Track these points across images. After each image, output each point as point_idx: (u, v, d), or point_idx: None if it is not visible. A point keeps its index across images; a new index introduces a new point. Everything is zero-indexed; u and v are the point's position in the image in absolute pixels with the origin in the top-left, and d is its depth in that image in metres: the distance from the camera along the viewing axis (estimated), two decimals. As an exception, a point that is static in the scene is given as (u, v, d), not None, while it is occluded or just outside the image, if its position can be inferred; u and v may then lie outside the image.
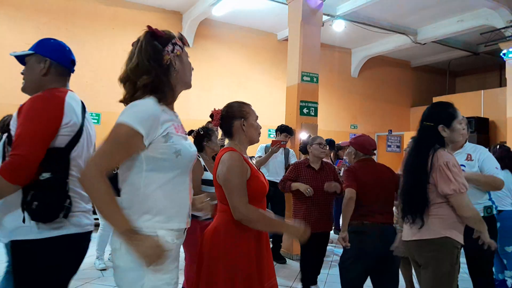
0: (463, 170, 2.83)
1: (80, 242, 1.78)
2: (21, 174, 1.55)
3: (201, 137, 3.36)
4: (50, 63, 1.81)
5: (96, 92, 7.93)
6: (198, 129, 3.43)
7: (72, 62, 1.93)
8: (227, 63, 9.28)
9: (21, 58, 1.90)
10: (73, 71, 1.96)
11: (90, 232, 1.84)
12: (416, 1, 7.94)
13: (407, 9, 8.33)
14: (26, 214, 1.59)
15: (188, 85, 1.59)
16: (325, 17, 7.53)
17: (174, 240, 1.47)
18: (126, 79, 1.52)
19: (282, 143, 4.93)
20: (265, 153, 5.18)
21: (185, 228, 1.56)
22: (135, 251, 1.36)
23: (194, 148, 1.59)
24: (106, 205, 1.37)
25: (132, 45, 1.59)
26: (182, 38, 1.58)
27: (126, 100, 1.53)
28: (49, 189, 1.59)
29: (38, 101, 1.69)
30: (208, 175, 3.11)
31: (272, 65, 9.86)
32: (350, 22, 8.61)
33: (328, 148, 6.97)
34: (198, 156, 3.09)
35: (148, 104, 1.45)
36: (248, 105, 2.16)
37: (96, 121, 7.85)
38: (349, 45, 10.92)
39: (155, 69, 1.48)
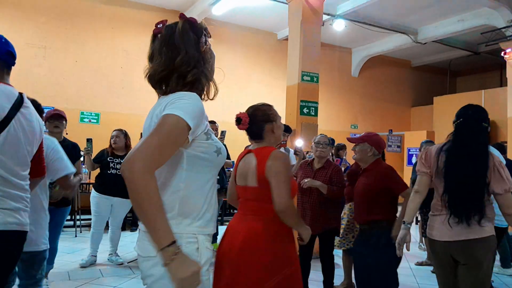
0: None
1: (2, 241, 1.72)
2: None
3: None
4: None
5: (96, 92, 7.92)
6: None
7: (8, 53, 1.83)
8: (227, 63, 9.27)
9: None
10: (13, 63, 1.86)
11: (16, 232, 1.75)
12: (417, 1, 7.93)
13: (407, 8, 8.32)
14: None
15: (210, 81, 1.47)
16: (325, 17, 7.52)
17: (210, 245, 1.39)
18: (171, 73, 1.35)
19: (282, 142, 4.92)
20: None
21: None
22: (173, 271, 1.18)
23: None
24: (153, 211, 1.16)
25: (157, 34, 1.42)
26: (207, 29, 1.48)
27: (170, 93, 1.36)
28: None
29: None
30: None
31: (272, 64, 9.85)
32: (351, 21, 8.60)
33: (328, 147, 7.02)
34: None
35: (196, 97, 1.33)
36: (273, 107, 2.21)
37: (95, 121, 7.83)
38: (350, 44, 10.90)
39: (200, 61, 1.37)
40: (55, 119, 3.55)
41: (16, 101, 1.78)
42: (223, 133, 5.50)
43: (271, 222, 1.98)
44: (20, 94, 1.83)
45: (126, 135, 4.69)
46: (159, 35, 1.41)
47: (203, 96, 1.43)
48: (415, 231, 6.64)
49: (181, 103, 1.27)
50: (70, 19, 7.79)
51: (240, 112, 2.15)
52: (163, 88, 1.38)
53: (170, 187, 1.32)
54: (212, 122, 5.52)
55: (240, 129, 2.13)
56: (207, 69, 1.43)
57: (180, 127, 1.23)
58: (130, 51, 8.24)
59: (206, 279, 1.34)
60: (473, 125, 2.33)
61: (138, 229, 1.46)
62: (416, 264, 5.00)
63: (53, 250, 3.29)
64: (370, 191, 2.83)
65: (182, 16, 1.42)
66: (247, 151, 2.17)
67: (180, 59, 1.34)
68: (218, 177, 2.78)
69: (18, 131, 1.73)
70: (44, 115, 2.98)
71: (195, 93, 1.35)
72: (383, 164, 2.94)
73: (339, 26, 8.59)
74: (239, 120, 2.12)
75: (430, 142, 4.97)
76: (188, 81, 1.35)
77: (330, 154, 7.05)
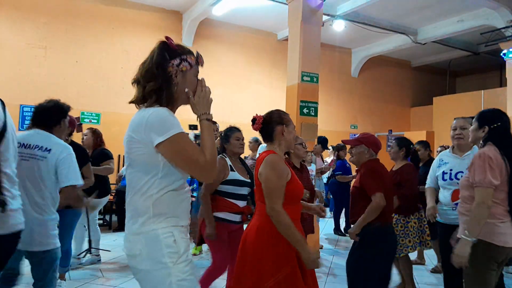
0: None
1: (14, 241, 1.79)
2: None
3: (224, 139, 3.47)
4: None
5: (96, 92, 7.93)
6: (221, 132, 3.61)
7: None
8: (227, 63, 9.28)
9: None
10: None
11: (21, 231, 1.86)
12: (417, 1, 7.94)
13: (407, 9, 8.33)
14: None
15: (184, 102, 1.64)
16: (325, 17, 7.53)
17: (187, 235, 1.59)
18: (138, 82, 1.59)
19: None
20: None
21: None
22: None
23: None
24: (210, 143, 1.56)
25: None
26: (198, 58, 1.66)
27: (136, 101, 1.60)
28: None
29: None
30: (235, 175, 3.06)
31: (272, 65, 9.86)
32: (350, 22, 8.61)
33: (321, 146, 7.02)
34: (225, 156, 3.18)
35: (165, 111, 1.51)
36: (288, 115, 2.34)
37: (96, 121, 7.84)
38: (349, 45, 10.91)
39: (161, 77, 1.53)
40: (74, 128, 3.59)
41: (1, 102, 1.83)
42: (222, 134, 5.48)
43: (269, 222, 2.04)
44: None
45: (94, 132, 4.72)
46: None
47: (174, 108, 1.61)
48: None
49: (164, 123, 1.47)
50: (70, 20, 7.80)
51: (257, 114, 2.28)
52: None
53: (143, 194, 1.52)
54: (213, 123, 5.52)
55: (254, 129, 2.26)
56: (172, 87, 1.56)
57: (185, 136, 1.49)
58: (130, 51, 8.25)
59: (189, 262, 1.54)
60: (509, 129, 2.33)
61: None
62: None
63: (65, 252, 3.27)
64: (354, 192, 2.87)
65: (167, 38, 1.60)
66: (265, 154, 2.25)
67: (141, 71, 1.57)
68: None
69: (10, 129, 1.84)
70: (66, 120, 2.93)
71: (163, 108, 1.51)
72: (369, 164, 2.88)
73: (339, 26, 8.60)
74: (253, 121, 2.25)
75: (424, 142, 4.93)
76: (146, 92, 1.54)
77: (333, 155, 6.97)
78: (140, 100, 1.57)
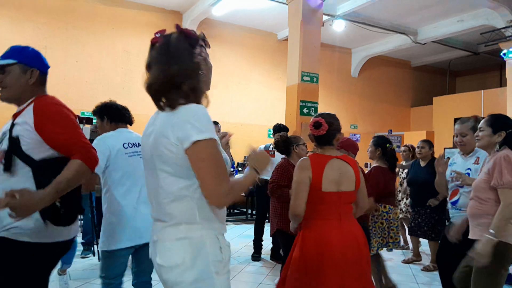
0: (468, 174, 2.82)
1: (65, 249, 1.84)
2: (96, 163, 1.71)
3: (290, 142, 3.57)
4: (38, 72, 1.84)
5: (96, 92, 7.93)
6: (283, 134, 3.71)
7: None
8: (227, 63, 9.28)
9: None
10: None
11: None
12: (416, 1, 7.94)
13: (407, 9, 8.33)
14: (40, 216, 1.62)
15: (208, 88, 1.51)
16: (325, 17, 7.53)
17: (229, 243, 1.47)
18: (167, 84, 1.39)
19: (270, 153, 4.90)
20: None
21: None
22: (261, 169, 1.51)
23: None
24: (239, 187, 1.42)
25: (154, 44, 1.46)
26: (204, 39, 1.52)
27: (170, 107, 1.39)
28: (71, 194, 1.65)
29: (58, 106, 1.77)
30: None
31: (272, 65, 9.86)
32: (350, 22, 8.61)
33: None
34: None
35: (202, 108, 1.38)
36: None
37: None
38: (349, 45, 10.91)
39: (197, 71, 1.41)
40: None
41: None
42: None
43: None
44: None
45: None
46: (156, 44, 1.44)
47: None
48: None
49: (202, 122, 1.33)
50: (70, 20, 7.80)
51: (318, 118, 2.25)
52: (163, 100, 1.42)
53: (187, 197, 1.37)
54: (215, 123, 5.52)
55: (316, 134, 2.23)
56: (202, 80, 1.45)
57: (215, 146, 1.34)
58: (130, 52, 8.25)
59: (229, 276, 1.43)
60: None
61: (153, 241, 1.47)
62: (403, 262, 5.01)
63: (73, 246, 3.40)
64: None
65: (177, 27, 1.45)
66: (330, 157, 2.23)
67: (174, 70, 1.37)
68: None
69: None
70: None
71: (201, 105, 1.40)
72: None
73: (339, 26, 8.60)
74: (318, 125, 2.22)
75: (427, 141, 4.94)
76: (185, 92, 1.38)
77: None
78: (176, 104, 1.38)
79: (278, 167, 3.57)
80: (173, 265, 1.33)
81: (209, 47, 1.53)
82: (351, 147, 3.17)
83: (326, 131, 2.22)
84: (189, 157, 1.31)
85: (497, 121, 2.44)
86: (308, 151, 3.74)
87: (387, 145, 3.66)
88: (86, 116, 5.11)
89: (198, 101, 1.42)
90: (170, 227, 1.37)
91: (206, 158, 1.30)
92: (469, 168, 2.86)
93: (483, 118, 2.70)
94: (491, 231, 2.21)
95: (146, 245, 2.43)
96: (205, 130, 1.31)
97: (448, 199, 2.95)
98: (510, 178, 2.23)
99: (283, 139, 3.63)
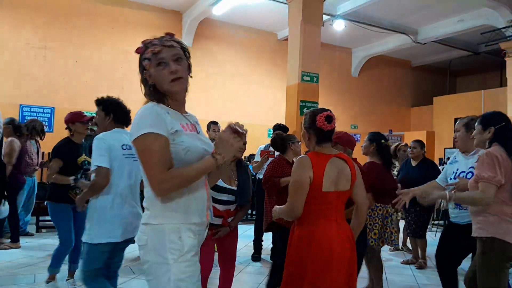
0: (472, 172, 2.79)
1: None
2: None
3: (286, 139, 3.62)
4: None
5: (96, 92, 7.82)
6: (279, 132, 3.76)
7: None
8: (227, 63, 9.27)
9: None
10: None
11: None
12: (417, 1, 7.93)
13: (407, 8, 8.32)
14: None
15: (169, 92, 1.60)
16: (325, 17, 7.52)
17: (196, 234, 1.56)
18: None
19: (270, 153, 4.90)
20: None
21: (207, 223, 1.65)
22: (227, 156, 1.51)
23: (206, 146, 1.62)
24: (190, 174, 1.47)
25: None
26: (147, 46, 1.61)
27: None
28: None
29: None
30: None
31: (272, 64, 9.85)
32: (351, 21, 8.60)
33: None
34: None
35: (148, 107, 1.54)
36: None
37: (96, 121, 7.84)
38: (349, 44, 10.91)
39: (146, 82, 1.61)
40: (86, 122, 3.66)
41: None
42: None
43: None
44: None
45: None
46: None
47: (167, 103, 1.61)
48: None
49: (138, 121, 1.51)
50: (70, 19, 7.79)
51: (326, 112, 2.21)
52: None
53: (148, 187, 1.52)
54: (214, 123, 5.51)
55: (328, 128, 2.17)
56: (153, 88, 1.60)
57: (151, 139, 1.45)
58: (130, 51, 8.17)
59: (193, 263, 1.53)
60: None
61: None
62: (402, 263, 5.01)
63: (76, 248, 3.50)
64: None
65: (143, 42, 1.66)
66: (330, 156, 2.17)
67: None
68: None
69: None
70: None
71: (149, 104, 1.56)
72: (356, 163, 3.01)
73: (339, 26, 8.60)
74: (330, 119, 2.17)
75: (419, 141, 4.97)
76: (145, 95, 1.62)
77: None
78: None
79: (272, 162, 3.70)
80: (140, 245, 1.53)
81: (162, 43, 1.60)
82: (348, 143, 3.11)
83: (334, 126, 2.19)
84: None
85: (485, 118, 2.49)
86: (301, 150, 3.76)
87: (382, 140, 3.63)
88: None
89: (155, 101, 1.58)
90: (144, 211, 1.57)
91: (141, 150, 1.47)
92: (472, 167, 2.84)
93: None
94: (451, 194, 2.36)
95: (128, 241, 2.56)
96: (142, 126, 1.47)
97: None
98: (492, 174, 2.24)
99: (279, 136, 3.73)
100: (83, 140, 3.63)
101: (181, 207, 1.52)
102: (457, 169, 2.98)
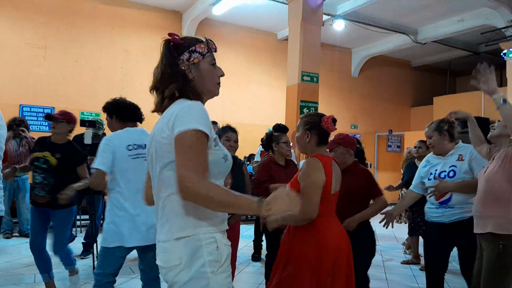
0: (453, 171, 2.87)
1: None
2: None
3: (271, 139, 3.61)
4: None
5: (96, 92, 7.92)
6: (270, 131, 3.74)
7: None
8: (227, 63, 9.26)
9: None
10: None
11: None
12: (417, 1, 7.93)
13: (407, 8, 8.32)
14: None
15: (210, 93, 1.52)
16: (325, 17, 7.52)
17: (228, 242, 1.43)
18: (156, 88, 1.48)
19: (270, 153, 4.89)
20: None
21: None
22: (278, 212, 1.28)
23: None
24: (227, 199, 1.26)
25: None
26: (209, 44, 1.55)
27: (157, 110, 1.48)
28: None
29: None
30: None
31: (272, 65, 9.85)
32: (351, 21, 8.60)
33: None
34: None
35: (198, 104, 1.40)
36: None
37: (96, 121, 7.84)
38: (350, 44, 10.90)
39: (178, 76, 1.43)
40: (49, 120, 3.44)
41: None
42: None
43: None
44: None
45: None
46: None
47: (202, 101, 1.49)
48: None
49: (191, 115, 1.33)
50: (70, 19, 7.79)
51: (328, 115, 2.24)
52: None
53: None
54: (214, 123, 5.51)
55: (333, 130, 2.21)
56: (191, 84, 1.46)
57: (199, 138, 1.30)
58: (130, 51, 8.24)
59: (229, 273, 1.39)
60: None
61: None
62: (402, 263, 5.03)
63: (67, 252, 3.47)
64: (352, 192, 2.84)
65: (168, 35, 1.51)
66: (331, 158, 2.25)
67: (156, 77, 1.46)
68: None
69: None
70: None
71: (195, 101, 1.41)
72: (361, 166, 3.10)
73: (339, 26, 8.60)
74: (335, 122, 2.22)
75: (425, 142, 4.96)
76: (167, 96, 1.43)
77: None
78: (161, 106, 1.45)
79: (260, 163, 3.78)
80: (171, 266, 1.33)
81: (215, 50, 1.57)
82: (350, 144, 3.11)
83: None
84: (174, 145, 1.30)
85: None
86: (289, 149, 3.72)
87: (357, 145, 3.69)
88: (87, 119, 4.97)
89: (194, 98, 1.44)
90: (166, 225, 1.36)
91: (184, 145, 1.28)
92: (453, 165, 2.90)
93: (449, 119, 2.85)
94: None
95: (148, 246, 2.46)
96: (193, 121, 1.31)
97: (434, 200, 2.93)
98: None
99: (267, 135, 3.73)
100: (89, 141, 3.63)
101: (213, 213, 1.37)
102: (436, 170, 3.00)
